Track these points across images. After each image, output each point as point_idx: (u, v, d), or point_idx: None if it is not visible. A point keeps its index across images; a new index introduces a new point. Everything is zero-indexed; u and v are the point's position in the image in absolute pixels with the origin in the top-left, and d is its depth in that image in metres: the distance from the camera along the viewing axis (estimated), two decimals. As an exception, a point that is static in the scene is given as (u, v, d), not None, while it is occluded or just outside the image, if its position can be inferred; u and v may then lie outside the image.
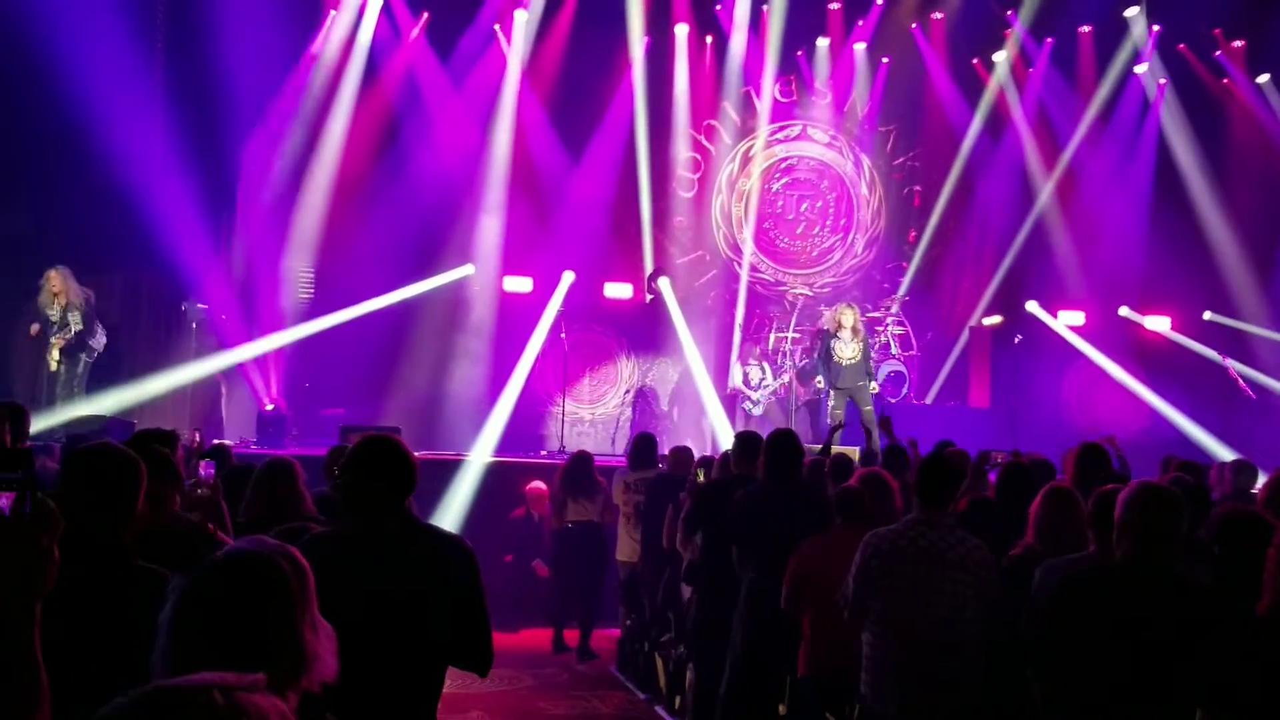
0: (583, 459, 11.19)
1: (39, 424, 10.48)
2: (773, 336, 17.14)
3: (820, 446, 10.00)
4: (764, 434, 7.75)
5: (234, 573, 2.29)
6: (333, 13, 16.31)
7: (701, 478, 8.58)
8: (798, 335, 16.84)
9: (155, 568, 3.36)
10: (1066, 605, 4.29)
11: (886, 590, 5.44)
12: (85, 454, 3.42)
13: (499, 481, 12.78)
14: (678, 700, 8.91)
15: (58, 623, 2.98)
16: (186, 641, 2.21)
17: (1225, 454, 14.31)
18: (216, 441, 10.55)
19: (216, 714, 1.60)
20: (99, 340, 13.18)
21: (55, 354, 12.99)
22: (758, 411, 15.44)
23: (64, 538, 2.76)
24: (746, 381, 15.80)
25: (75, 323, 13.07)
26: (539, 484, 12.25)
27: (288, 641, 2.26)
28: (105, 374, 13.66)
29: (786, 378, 16.03)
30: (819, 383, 15.43)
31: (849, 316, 14.47)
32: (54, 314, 12.99)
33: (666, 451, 11.52)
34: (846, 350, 14.23)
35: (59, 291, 13.01)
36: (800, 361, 16.25)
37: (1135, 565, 4.20)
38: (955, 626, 5.36)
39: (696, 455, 10.59)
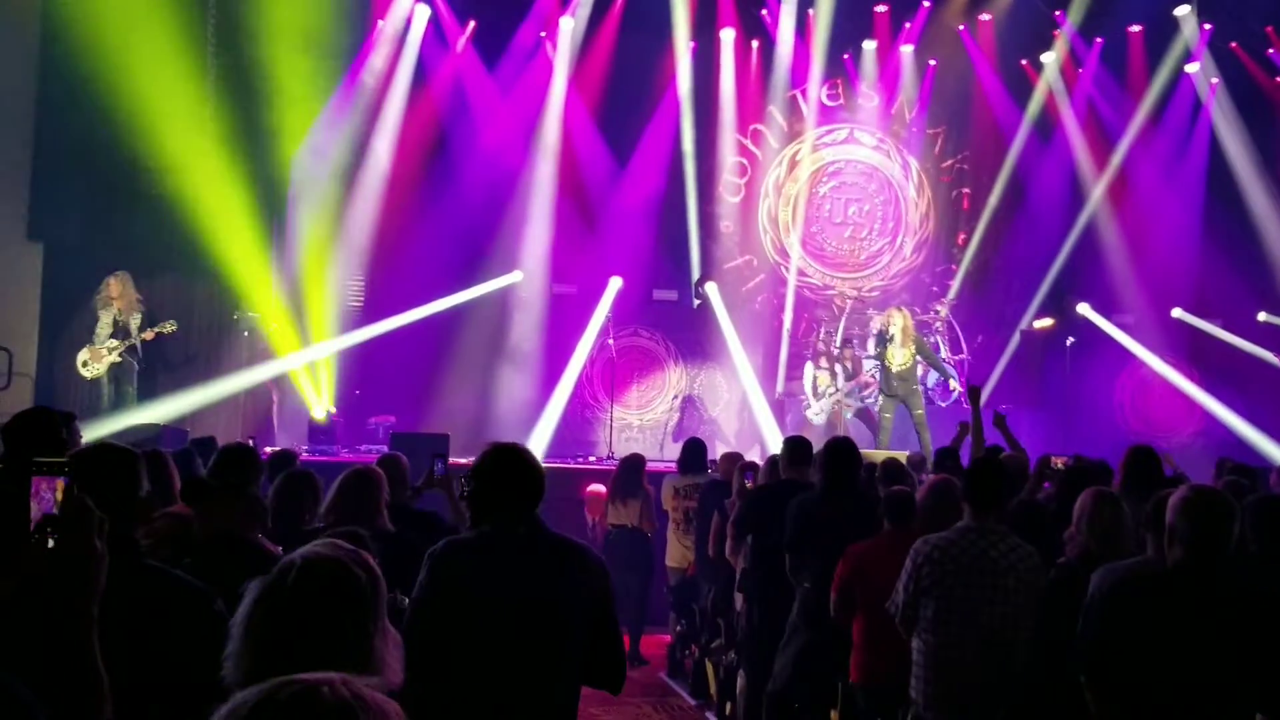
0: (633, 463, 11.14)
1: (91, 433, 10.57)
2: (839, 339, 17.01)
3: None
4: (816, 441, 7.70)
5: (308, 576, 2.30)
6: (380, 22, 16.40)
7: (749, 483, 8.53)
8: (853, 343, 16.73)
9: (163, 566, 3.35)
10: (1118, 610, 4.25)
11: (938, 598, 5.40)
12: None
13: (549, 487, 12.73)
14: (729, 706, 8.87)
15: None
16: (260, 643, 2.22)
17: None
18: (276, 449, 10.61)
19: (343, 706, 1.61)
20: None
21: (113, 359, 13.18)
22: (819, 420, 15.32)
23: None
24: (814, 388, 15.66)
25: (136, 326, 13.30)
26: (598, 487, 12.19)
27: (357, 646, 2.27)
28: (158, 383, 13.81)
29: (856, 383, 15.83)
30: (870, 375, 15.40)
31: (899, 321, 14.43)
32: (110, 320, 13.20)
33: (715, 457, 11.48)
34: (898, 355, 14.20)
35: (117, 297, 13.22)
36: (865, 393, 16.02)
37: (1187, 570, 4.14)
38: (1007, 634, 5.31)
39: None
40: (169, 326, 13.48)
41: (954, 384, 14.54)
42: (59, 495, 2.20)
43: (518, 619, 3.93)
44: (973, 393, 8.83)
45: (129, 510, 3.26)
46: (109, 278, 13.33)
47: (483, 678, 3.90)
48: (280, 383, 15.07)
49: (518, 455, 4.24)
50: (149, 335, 13.38)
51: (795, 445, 7.80)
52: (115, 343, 13.24)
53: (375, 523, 5.49)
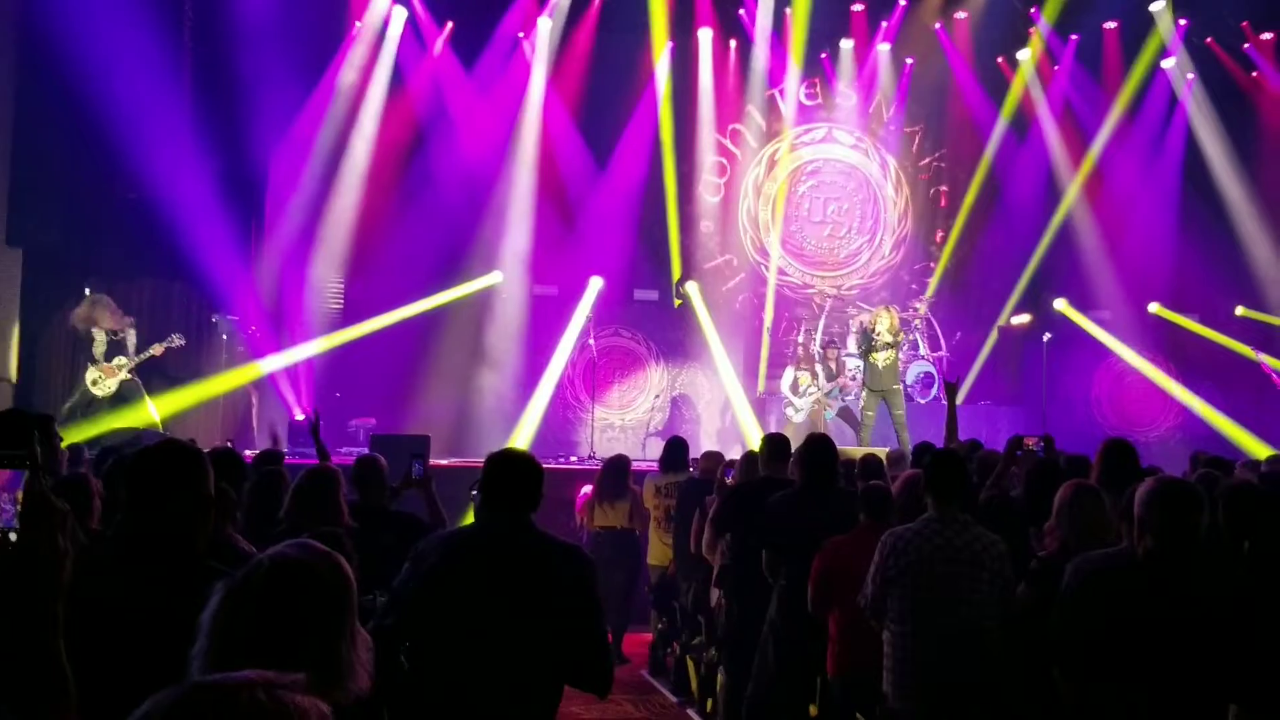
0: (618, 463, 11.13)
1: (72, 436, 10.56)
2: (819, 339, 17.04)
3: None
4: (796, 440, 7.71)
5: (279, 576, 2.30)
6: (358, 24, 16.39)
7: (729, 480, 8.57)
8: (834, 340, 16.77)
9: (224, 568, 3.34)
10: (1090, 601, 4.28)
11: (905, 589, 5.43)
12: (153, 450, 3.41)
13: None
14: (710, 704, 8.89)
15: (131, 623, 3.00)
16: (226, 642, 2.22)
17: (1260, 449, 14.22)
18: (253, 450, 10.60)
19: (260, 711, 1.59)
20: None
21: (124, 376, 13.12)
22: (799, 419, 15.33)
23: (137, 539, 2.77)
24: (795, 386, 15.66)
25: (133, 343, 13.26)
26: (588, 488, 12.18)
27: (326, 648, 2.27)
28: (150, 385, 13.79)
29: (838, 384, 15.86)
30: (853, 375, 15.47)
31: (887, 319, 14.49)
32: (104, 339, 13.14)
33: (697, 456, 11.49)
34: (884, 353, 14.26)
35: (102, 321, 13.17)
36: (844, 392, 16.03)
37: (1157, 560, 4.18)
38: (974, 623, 5.34)
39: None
40: (176, 340, 13.39)
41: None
42: (19, 495, 2.18)
43: (490, 610, 3.98)
44: (949, 389, 8.86)
45: (190, 511, 3.24)
46: (85, 304, 13.25)
47: (456, 669, 3.95)
48: (259, 385, 15.05)
49: (510, 458, 4.35)
50: (158, 350, 13.29)
51: (774, 442, 7.81)
52: (124, 360, 13.17)
53: (337, 522, 5.50)
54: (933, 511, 5.52)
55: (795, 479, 7.08)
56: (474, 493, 6.62)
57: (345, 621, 2.32)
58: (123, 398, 13.32)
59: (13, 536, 2.15)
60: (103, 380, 13.23)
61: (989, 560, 5.39)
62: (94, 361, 13.25)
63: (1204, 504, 4.24)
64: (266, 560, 2.34)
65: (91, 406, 13.04)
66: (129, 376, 13.20)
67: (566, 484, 12.38)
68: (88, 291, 13.57)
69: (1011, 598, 5.33)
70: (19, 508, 2.16)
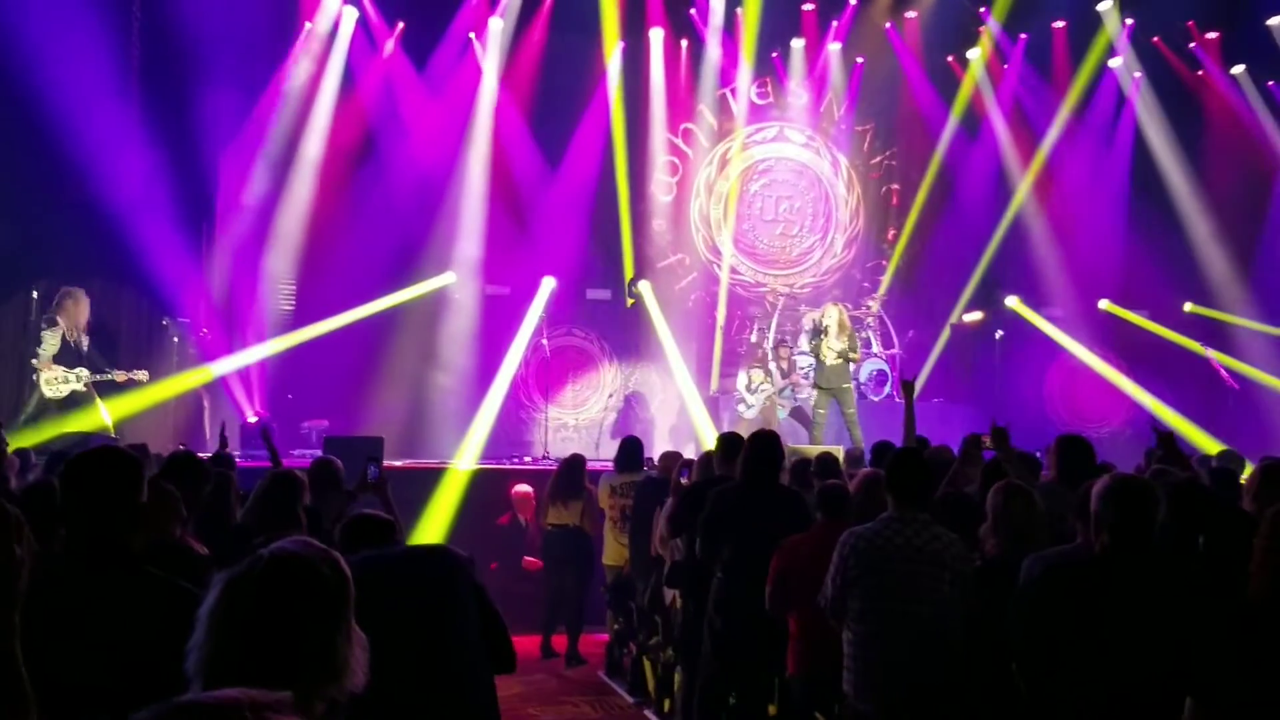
0: (574, 463, 11.15)
1: (18, 441, 10.43)
2: (771, 338, 17.08)
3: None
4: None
5: (278, 571, 2.29)
6: (307, 25, 16.28)
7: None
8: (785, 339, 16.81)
9: (167, 575, 3.31)
10: (1048, 598, 4.30)
11: (865, 588, 5.44)
12: (86, 456, 3.38)
13: (484, 489, 12.75)
14: (667, 703, 8.89)
15: (67, 629, 2.98)
16: (225, 637, 2.21)
17: (1210, 445, 14.36)
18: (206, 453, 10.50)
19: None
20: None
21: (78, 387, 12.96)
22: (750, 414, 15.37)
23: (73, 544, 2.74)
24: (748, 385, 15.67)
25: (86, 347, 13.10)
26: (524, 487, 12.24)
27: (324, 646, 2.27)
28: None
29: (789, 383, 15.89)
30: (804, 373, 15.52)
31: (834, 315, 14.54)
32: (57, 339, 12.97)
33: (651, 454, 11.50)
34: (833, 350, 14.29)
35: (73, 318, 13.01)
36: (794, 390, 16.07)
37: (1113, 556, 4.21)
38: (934, 623, 5.35)
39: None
40: (140, 375, 13.22)
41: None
42: None
43: (420, 626, 4.12)
44: (906, 387, 8.88)
45: (127, 517, 3.24)
46: (67, 296, 13.08)
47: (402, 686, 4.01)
48: (210, 388, 14.92)
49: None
50: (120, 378, 13.12)
51: (728, 441, 7.84)
52: (85, 373, 12.98)
53: (296, 528, 5.49)
54: (893, 510, 5.53)
55: (738, 475, 7.11)
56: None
57: (343, 619, 2.32)
58: (74, 401, 13.16)
59: None
60: (56, 384, 13.06)
61: (949, 559, 5.41)
62: (37, 358, 13.06)
63: (1159, 500, 4.28)
64: (266, 555, 2.32)
65: (46, 413, 12.88)
66: (84, 388, 13.03)
67: (523, 483, 12.39)
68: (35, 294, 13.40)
69: (972, 597, 5.35)
70: None
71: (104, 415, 13.07)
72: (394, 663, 3.95)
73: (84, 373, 12.99)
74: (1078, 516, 4.95)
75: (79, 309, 13.12)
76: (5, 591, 2.15)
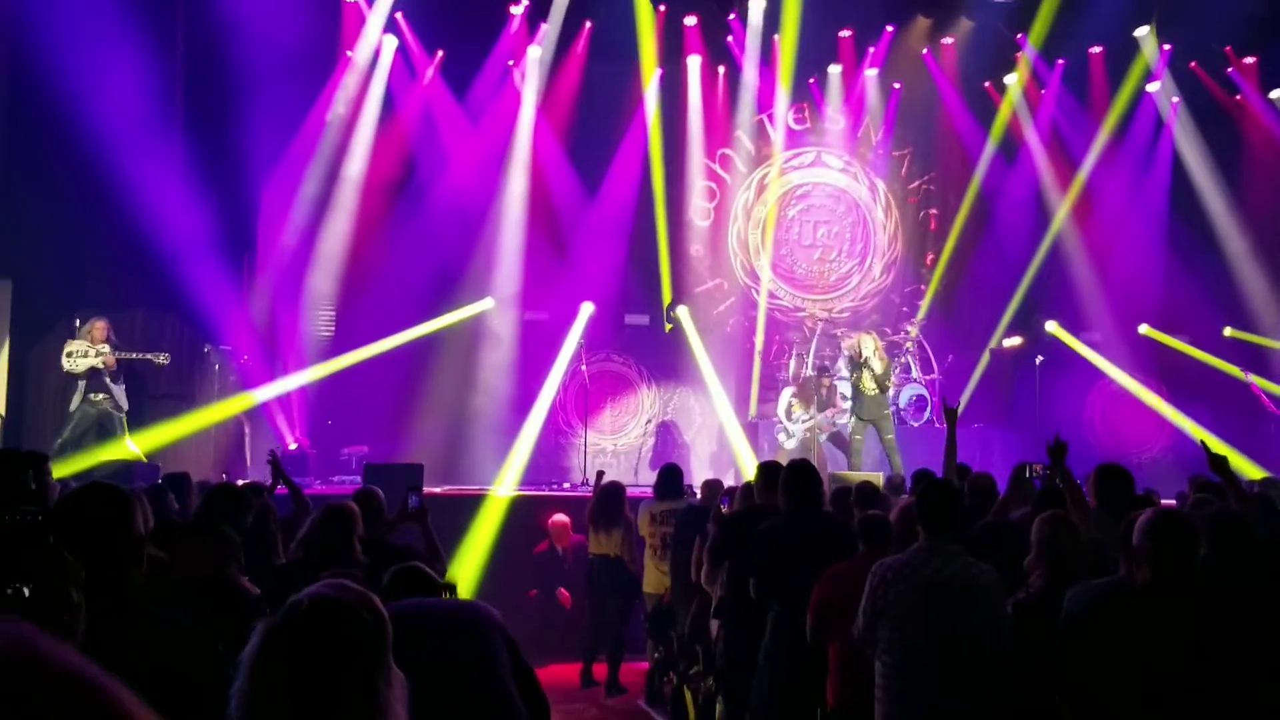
0: (612, 491, 11.12)
1: (61, 470, 10.53)
2: (810, 363, 17.04)
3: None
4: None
5: (317, 616, 2.32)
6: (349, 53, 16.43)
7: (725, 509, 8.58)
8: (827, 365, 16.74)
9: (163, 610, 3.29)
10: (1090, 629, 4.32)
11: (895, 619, 5.42)
12: (74, 494, 3.37)
13: (522, 516, 12.77)
14: (707, 732, 8.88)
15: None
16: (265, 682, 2.23)
17: (1252, 470, 14.26)
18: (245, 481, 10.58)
19: None
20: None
21: (94, 363, 13.10)
22: (791, 445, 15.30)
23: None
24: (789, 413, 15.62)
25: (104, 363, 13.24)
26: (561, 517, 12.24)
27: (364, 689, 2.29)
28: (128, 417, 13.74)
29: (828, 414, 15.82)
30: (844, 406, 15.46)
31: (871, 345, 14.53)
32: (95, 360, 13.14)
33: (689, 481, 11.48)
34: (871, 380, 14.29)
35: (98, 340, 13.17)
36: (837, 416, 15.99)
37: (1154, 590, 4.22)
38: (963, 654, 5.33)
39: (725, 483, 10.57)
40: (161, 359, 13.40)
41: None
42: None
43: (459, 673, 4.25)
44: (949, 414, 8.84)
45: (122, 553, 3.23)
46: (95, 321, 13.28)
47: None
48: (251, 415, 15.03)
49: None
50: (150, 357, 13.30)
51: (768, 470, 7.83)
52: (106, 349, 13.14)
53: (350, 557, 5.53)
54: (923, 541, 5.52)
55: (781, 507, 7.10)
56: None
57: (382, 662, 2.34)
58: (106, 429, 13.30)
59: (27, 591, 2.16)
60: (76, 358, 13.16)
61: (980, 591, 5.37)
62: (73, 338, 13.21)
63: (1199, 536, 4.28)
64: (305, 600, 2.35)
65: (84, 438, 13.03)
66: (101, 365, 13.13)
67: (561, 512, 12.40)
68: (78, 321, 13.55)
69: (1003, 628, 5.33)
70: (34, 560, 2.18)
71: (130, 446, 13.19)
72: (434, 709, 3.99)
73: (105, 349, 13.13)
74: (1120, 548, 4.93)
75: (95, 331, 13.29)
76: (66, 637, 2.18)
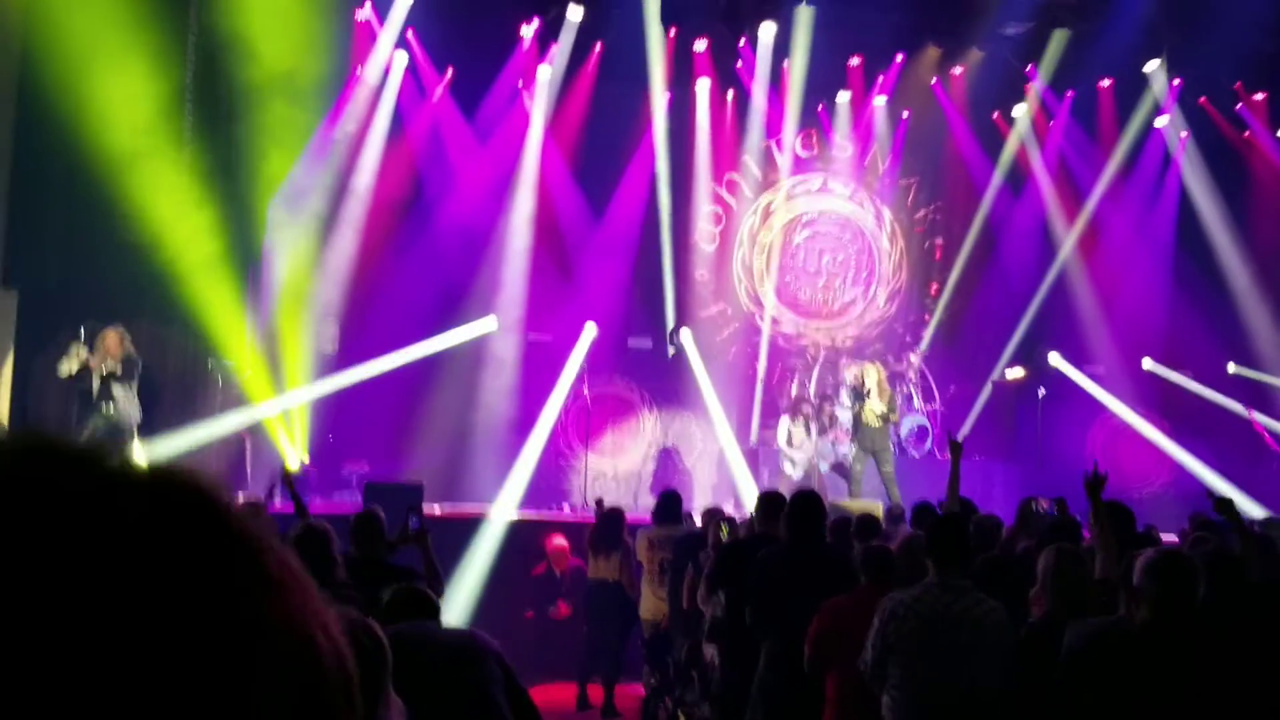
0: (612, 516, 11.11)
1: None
2: (813, 390, 17.02)
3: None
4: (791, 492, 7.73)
5: None
6: (359, 69, 16.46)
7: (725, 535, 8.58)
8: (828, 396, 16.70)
9: None
10: (1090, 667, 4.32)
11: (904, 654, 5.42)
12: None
13: (521, 538, 12.76)
14: (702, 759, 8.85)
15: None
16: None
17: (1252, 509, 14.24)
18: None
19: None
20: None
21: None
22: (796, 474, 15.23)
23: None
24: (789, 441, 15.57)
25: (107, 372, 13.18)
26: (560, 540, 12.23)
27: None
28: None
29: (828, 441, 15.75)
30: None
31: (874, 375, 14.53)
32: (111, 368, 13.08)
33: (690, 506, 11.46)
34: (874, 411, 14.29)
35: (110, 352, 13.09)
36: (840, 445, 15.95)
37: (1153, 631, 4.23)
38: (972, 691, 5.32)
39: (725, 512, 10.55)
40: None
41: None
42: None
43: (457, 697, 4.31)
44: (954, 447, 8.82)
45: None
46: (107, 331, 13.17)
47: None
48: (254, 430, 15.00)
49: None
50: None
51: (769, 500, 7.83)
52: (82, 349, 13.02)
53: (332, 577, 5.54)
54: (934, 576, 5.51)
55: (782, 536, 7.10)
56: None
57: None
58: (115, 439, 13.23)
59: None
60: (68, 362, 13.01)
61: (989, 627, 5.37)
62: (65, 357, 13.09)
63: (1200, 578, 4.28)
64: None
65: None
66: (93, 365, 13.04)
67: (560, 535, 12.39)
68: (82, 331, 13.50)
69: (1013, 666, 5.31)
70: None
71: (138, 455, 13.11)
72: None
73: (81, 349, 12.92)
74: (1121, 587, 4.93)
75: (108, 341, 13.21)
76: None
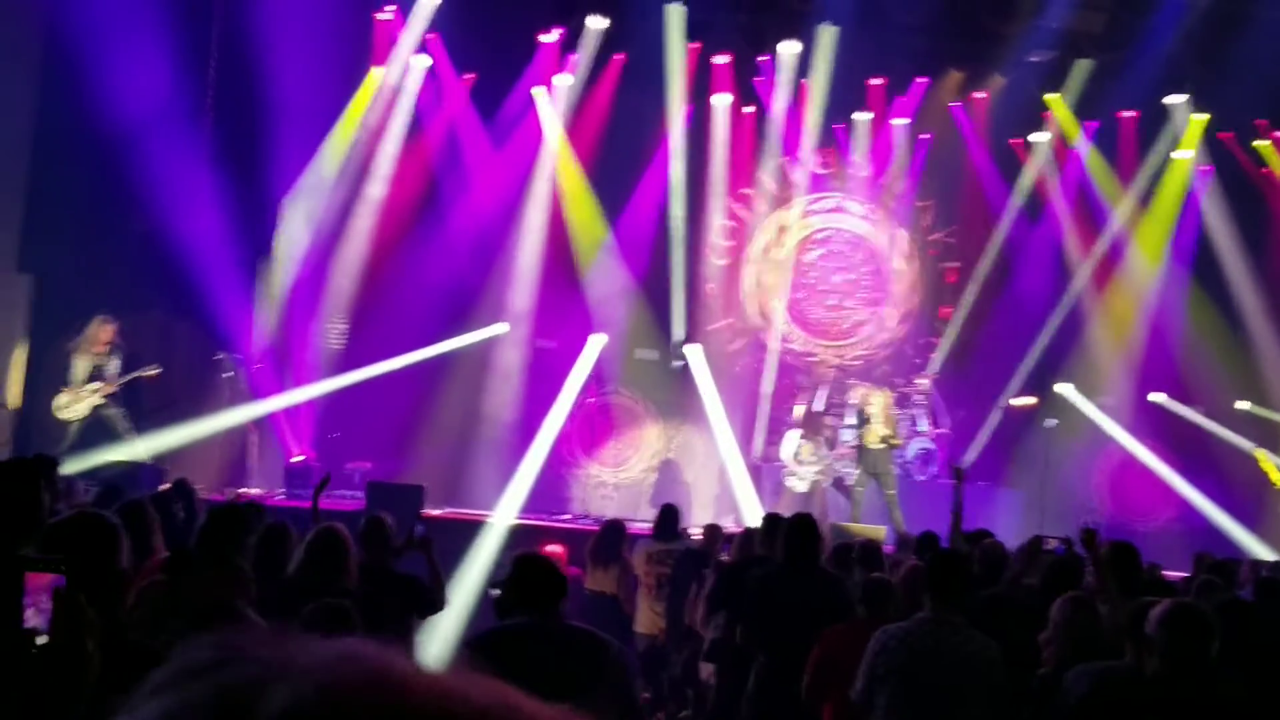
0: (612, 529, 11.05)
1: (68, 468, 10.47)
2: (821, 406, 16.96)
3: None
4: (795, 508, 7.73)
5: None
6: (380, 70, 16.46)
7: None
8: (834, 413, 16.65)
9: (148, 645, 3.21)
10: (1093, 713, 4.26)
11: (891, 687, 5.39)
12: (61, 525, 3.32)
13: (521, 543, 12.67)
14: (694, 777, 8.81)
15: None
16: None
17: (1257, 548, 14.19)
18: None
19: None
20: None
21: (95, 400, 13.05)
22: (801, 488, 15.18)
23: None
24: (796, 456, 15.51)
25: (114, 370, 13.20)
26: (556, 548, 12.16)
27: None
28: (136, 419, 13.71)
29: (832, 459, 15.69)
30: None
31: (879, 400, 14.49)
32: (87, 365, 13.09)
33: (690, 521, 11.42)
34: (876, 435, 14.26)
35: (103, 342, 13.12)
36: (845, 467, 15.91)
37: (1163, 682, 4.17)
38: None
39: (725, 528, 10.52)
40: (151, 370, 13.34)
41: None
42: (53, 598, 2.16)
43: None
44: (957, 473, 8.78)
45: (110, 585, 3.19)
46: (97, 323, 13.21)
47: None
48: (259, 425, 14.99)
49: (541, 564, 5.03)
50: (149, 373, 13.26)
51: (771, 522, 7.83)
52: (96, 385, 13.11)
53: (343, 582, 5.52)
54: (928, 611, 5.48)
55: (777, 558, 7.11)
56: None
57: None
58: (112, 431, 13.23)
59: (40, 640, 2.14)
60: (72, 405, 13.11)
61: (980, 665, 5.34)
62: (66, 385, 13.15)
63: (1216, 631, 4.22)
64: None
65: (91, 439, 12.99)
66: (102, 402, 13.11)
67: (555, 543, 12.35)
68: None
69: (1003, 703, 5.28)
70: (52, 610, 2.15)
71: (135, 447, 13.14)
72: None
73: (95, 385, 13.06)
74: (1128, 632, 4.88)
75: (110, 334, 13.24)
76: (72, 688, 2.15)
